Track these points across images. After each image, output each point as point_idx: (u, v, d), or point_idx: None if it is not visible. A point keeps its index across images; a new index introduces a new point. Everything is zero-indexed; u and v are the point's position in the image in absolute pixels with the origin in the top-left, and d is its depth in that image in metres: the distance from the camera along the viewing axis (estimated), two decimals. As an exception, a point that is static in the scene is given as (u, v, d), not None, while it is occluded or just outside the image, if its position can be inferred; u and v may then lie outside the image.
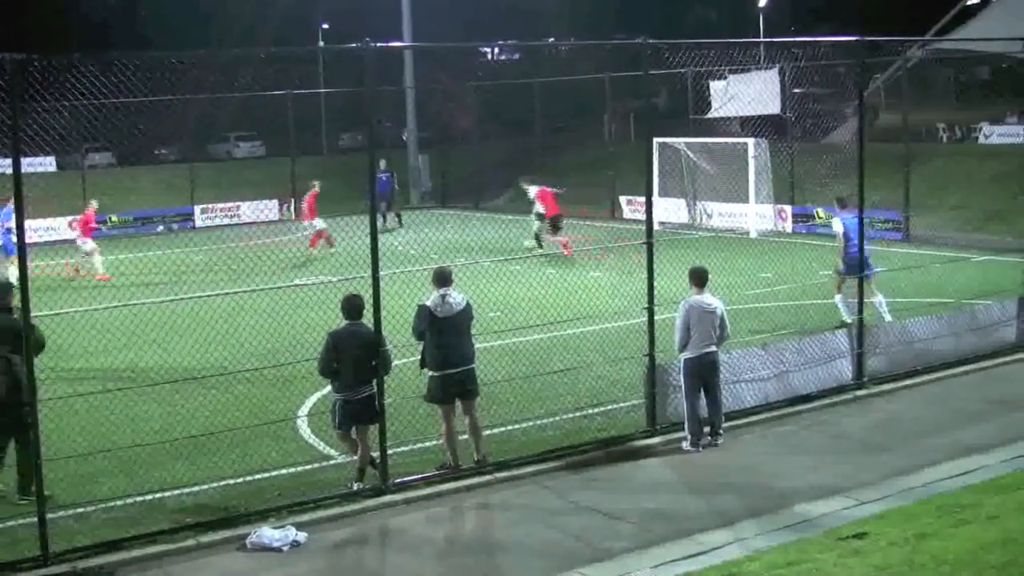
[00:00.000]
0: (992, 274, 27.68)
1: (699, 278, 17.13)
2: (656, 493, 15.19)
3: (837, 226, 24.69)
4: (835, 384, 19.45)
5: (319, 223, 39.47)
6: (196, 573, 13.12)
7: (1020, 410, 18.45)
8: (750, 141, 41.74)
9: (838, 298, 24.11)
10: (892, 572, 11.51)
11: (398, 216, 47.95)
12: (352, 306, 15.25)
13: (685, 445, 16.87)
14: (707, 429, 17.01)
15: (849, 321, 22.52)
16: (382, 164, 45.98)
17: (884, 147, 38.60)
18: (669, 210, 43.97)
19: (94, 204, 36.93)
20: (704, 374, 16.90)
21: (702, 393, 16.96)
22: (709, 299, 17.02)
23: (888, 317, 23.11)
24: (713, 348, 16.92)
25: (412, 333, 15.85)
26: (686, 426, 16.93)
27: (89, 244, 35.03)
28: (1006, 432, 17.14)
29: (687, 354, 16.89)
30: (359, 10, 72.17)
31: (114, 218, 49.46)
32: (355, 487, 15.19)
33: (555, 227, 36.99)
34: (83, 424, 16.72)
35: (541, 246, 37.35)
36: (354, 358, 15.07)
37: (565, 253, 35.31)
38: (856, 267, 22.43)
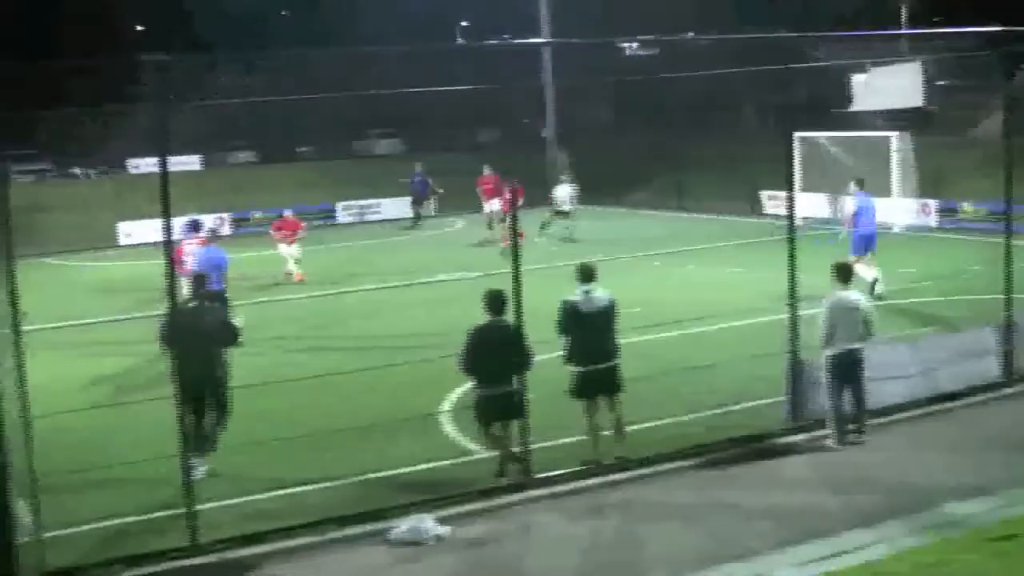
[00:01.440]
0: None
1: (844, 274, 16.95)
2: (797, 491, 15.06)
3: (850, 206, 27.69)
4: (982, 382, 19.03)
5: (492, 205, 40.98)
6: (339, 565, 13.31)
7: None
8: (893, 135, 41.14)
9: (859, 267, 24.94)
10: (1042, 575, 11.32)
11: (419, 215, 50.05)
12: (494, 301, 15.32)
13: (828, 443, 16.69)
14: (851, 427, 16.82)
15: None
16: (417, 167, 47.63)
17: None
18: (811, 205, 43.45)
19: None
20: (848, 371, 16.68)
21: (846, 390, 16.78)
22: (854, 295, 16.83)
23: (880, 289, 25.51)
24: (857, 345, 16.69)
25: (557, 329, 15.89)
26: (829, 423, 16.77)
27: (291, 249, 35.21)
28: None
29: (831, 351, 16.70)
30: (498, 7, 72.35)
31: (257, 215, 50.30)
32: (498, 482, 15.28)
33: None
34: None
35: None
36: (496, 354, 15.15)
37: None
38: (864, 245, 26.06)
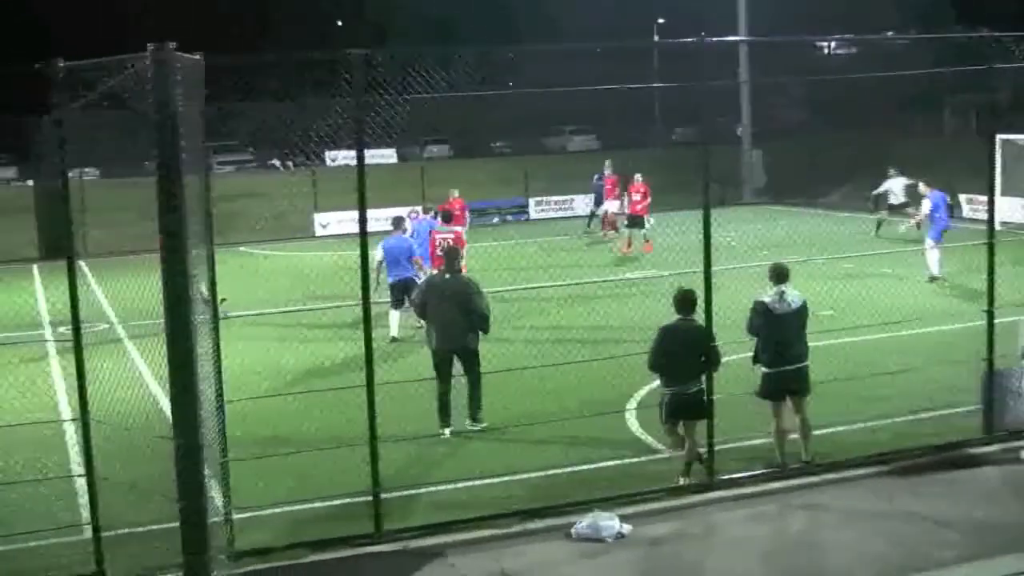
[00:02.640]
0: None
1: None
2: (989, 503, 14.67)
3: (926, 203, 31.78)
4: None
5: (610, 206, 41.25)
6: (521, 558, 13.33)
7: None
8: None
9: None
10: None
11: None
12: (684, 301, 15.29)
13: (1022, 454, 16.25)
14: (1046, 439, 16.35)
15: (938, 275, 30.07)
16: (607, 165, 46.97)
17: None
18: (1013, 209, 42.19)
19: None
20: (1045, 381, 16.23)
21: (1045, 400, 16.29)
22: (1055, 303, 16.35)
23: (935, 272, 30.09)
24: (1056, 354, 16.23)
25: (747, 329, 15.77)
26: (1025, 435, 16.33)
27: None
28: None
29: (1028, 359, 16.28)
30: (695, 5, 71.98)
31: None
32: (681, 482, 15.23)
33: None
34: (414, 409, 17.26)
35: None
36: (684, 353, 15.10)
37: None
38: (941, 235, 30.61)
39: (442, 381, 18.12)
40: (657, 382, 16.09)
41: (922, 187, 32.40)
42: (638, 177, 39.69)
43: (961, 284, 23.16)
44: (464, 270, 29.35)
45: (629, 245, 38.36)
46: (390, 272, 24.23)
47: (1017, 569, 12.55)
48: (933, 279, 30.01)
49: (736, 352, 16.38)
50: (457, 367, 18.28)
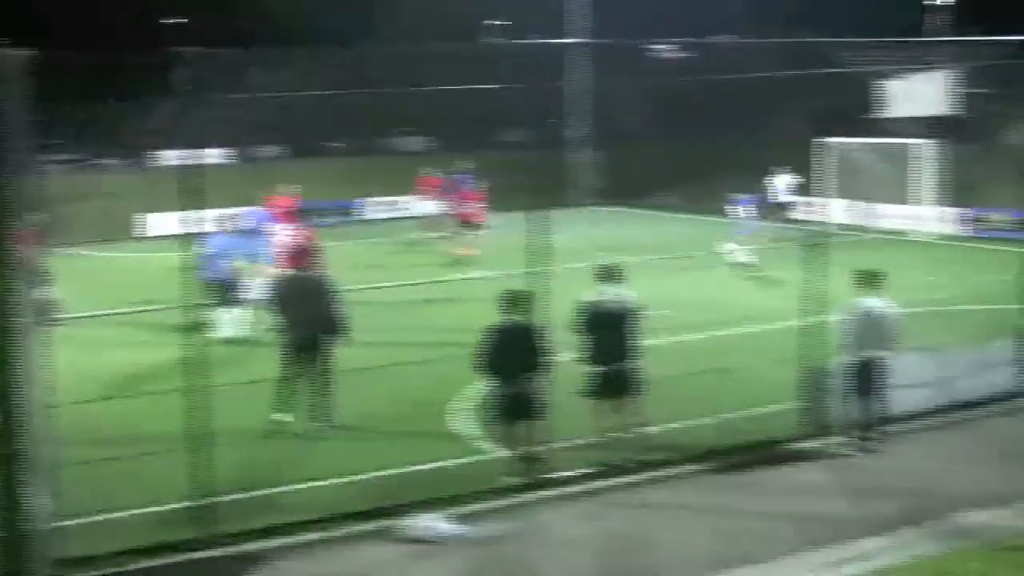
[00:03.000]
0: None
1: (868, 281, 16.90)
2: (811, 497, 15.09)
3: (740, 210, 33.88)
4: (1000, 392, 18.97)
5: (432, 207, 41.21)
6: (347, 562, 13.35)
7: None
8: (922, 142, 41.07)
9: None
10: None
11: None
12: (511, 301, 15.35)
13: (845, 450, 16.69)
14: (868, 434, 16.80)
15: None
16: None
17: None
18: (838, 211, 43.27)
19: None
20: (866, 378, 16.66)
21: (865, 397, 16.74)
22: (877, 303, 16.75)
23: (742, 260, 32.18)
24: (877, 352, 16.63)
25: (574, 328, 15.93)
26: (845, 430, 16.78)
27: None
28: None
29: (850, 358, 16.70)
30: (529, 5, 72.25)
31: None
32: (509, 481, 15.33)
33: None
34: (252, 410, 17.16)
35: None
36: (512, 353, 15.15)
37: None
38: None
39: (293, 368, 18.00)
40: (485, 382, 16.07)
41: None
42: (473, 183, 39.10)
43: (794, 283, 23.58)
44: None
45: (460, 248, 37.96)
46: (210, 269, 23.39)
47: (841, 559, 12.93)
48: (740, 266, 31.79)
49: (567, 351, 16.58)
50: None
